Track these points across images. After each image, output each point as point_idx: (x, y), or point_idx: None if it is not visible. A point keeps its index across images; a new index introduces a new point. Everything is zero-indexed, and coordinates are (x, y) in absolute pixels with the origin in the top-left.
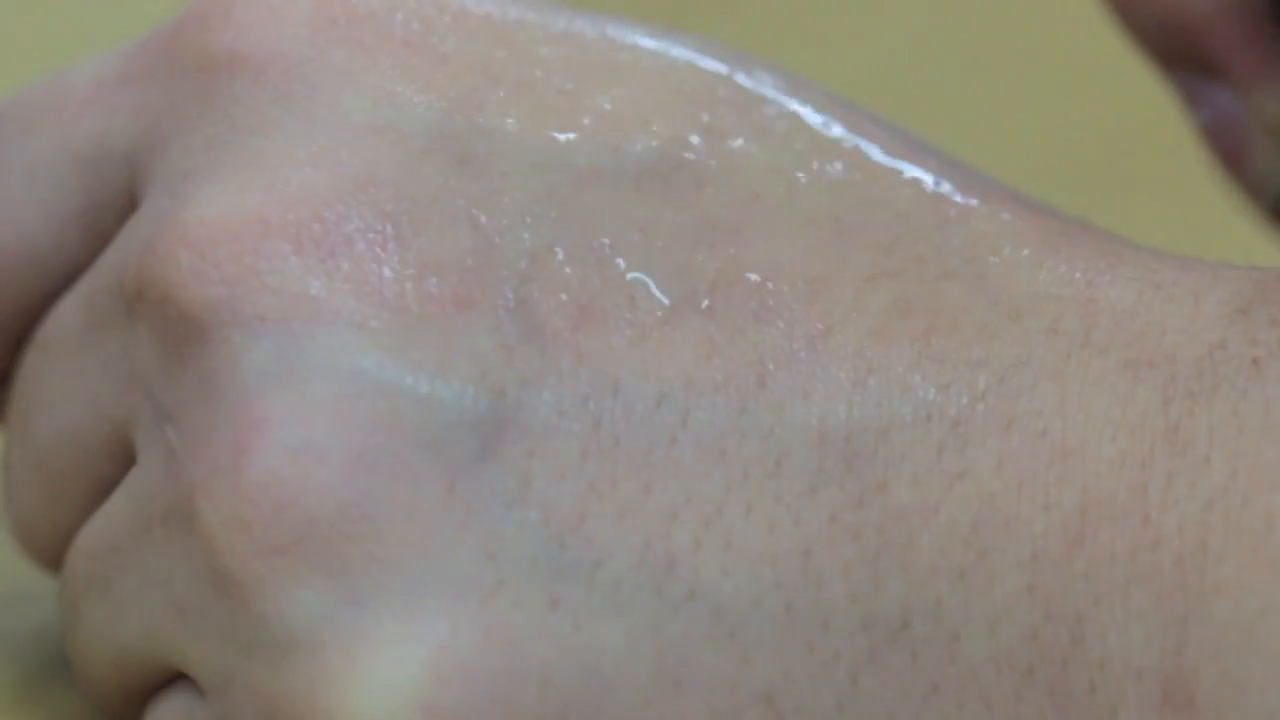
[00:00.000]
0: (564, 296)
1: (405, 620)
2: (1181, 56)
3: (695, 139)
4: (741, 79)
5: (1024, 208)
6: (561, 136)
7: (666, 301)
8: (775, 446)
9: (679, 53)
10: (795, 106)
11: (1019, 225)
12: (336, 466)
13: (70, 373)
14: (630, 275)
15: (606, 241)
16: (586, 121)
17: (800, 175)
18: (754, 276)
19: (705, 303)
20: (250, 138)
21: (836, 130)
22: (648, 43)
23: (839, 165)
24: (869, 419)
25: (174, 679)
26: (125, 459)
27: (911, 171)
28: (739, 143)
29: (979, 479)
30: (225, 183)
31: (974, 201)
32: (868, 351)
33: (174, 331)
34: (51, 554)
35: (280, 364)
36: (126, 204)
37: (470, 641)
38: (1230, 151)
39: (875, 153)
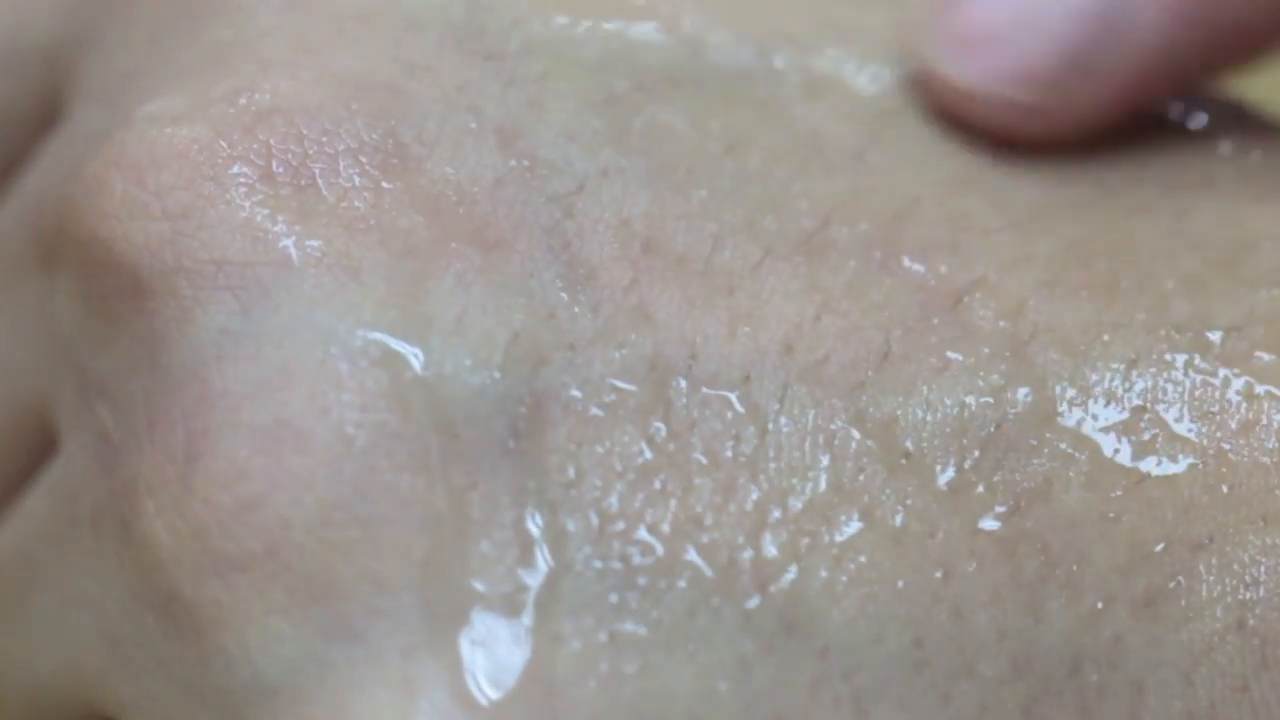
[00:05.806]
0: (623, 234)
1: (410, 658)
2: None
3: (787, 49)
4: None
5: (1254, 132)
6: (622, 28)
7: (759, 243)
8: (901, 436)
9: None
10: None
11: (1240, 155)
12: (319, 455)
13: None
14: (711, 208)
15: (681, 164)
16: (655, 12)
17: None
18: (878, 214)
19: (811, 247)
20: (209, 29)
21: None
22: None
23: None
24: (1026, 401)
25: None
26: (44, 447)
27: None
28: (844, 51)
29: (1174, 482)
30: (174, 88)
31: (1183, 122)
32: (1030, 311)
33: (105, 281)
34: None
35: (244, 323)
36: (45, 115)
37: (494, 685)
38: None
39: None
